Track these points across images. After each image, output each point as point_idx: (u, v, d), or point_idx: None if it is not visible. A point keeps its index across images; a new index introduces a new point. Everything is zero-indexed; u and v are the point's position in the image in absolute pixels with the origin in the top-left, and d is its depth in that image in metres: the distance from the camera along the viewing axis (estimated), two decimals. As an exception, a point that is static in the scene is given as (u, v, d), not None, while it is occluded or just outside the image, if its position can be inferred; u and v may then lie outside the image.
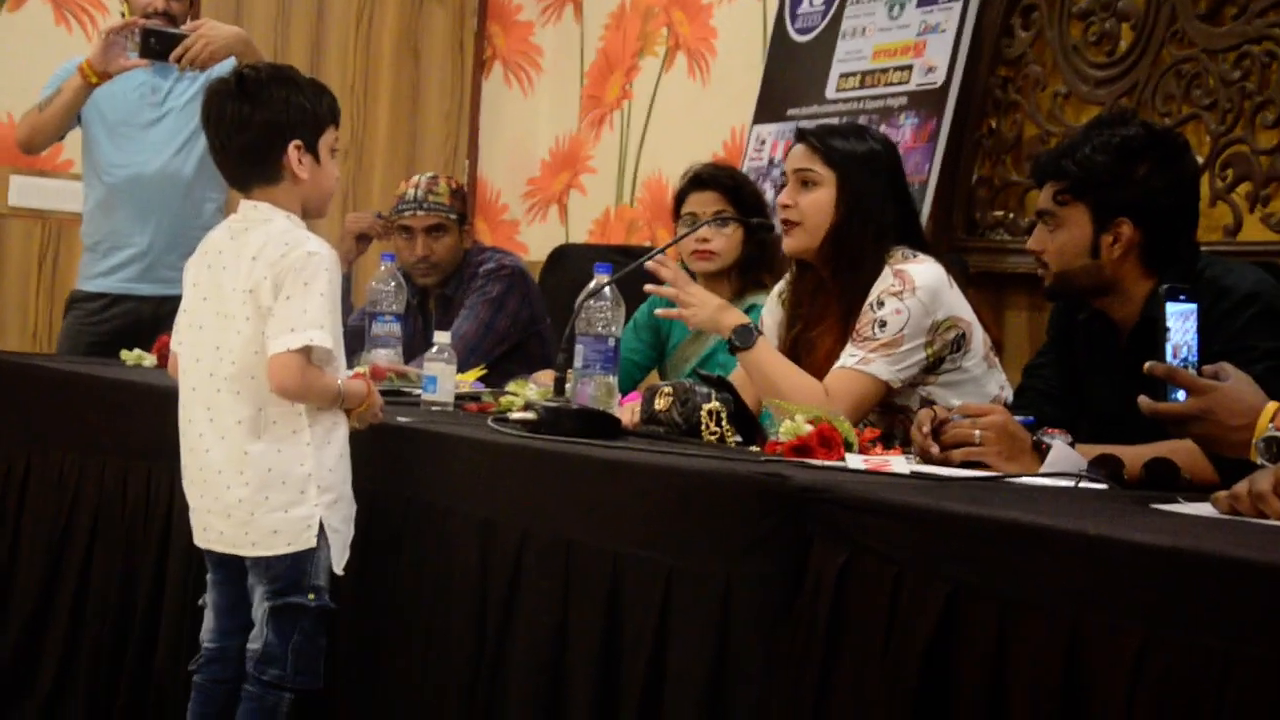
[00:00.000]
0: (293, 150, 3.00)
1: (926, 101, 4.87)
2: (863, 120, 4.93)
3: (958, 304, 3.40)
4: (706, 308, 3.42)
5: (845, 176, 3.44)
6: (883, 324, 3.33)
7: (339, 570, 3.00)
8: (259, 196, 3.04)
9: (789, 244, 3.50)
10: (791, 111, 5.44)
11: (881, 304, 3.35)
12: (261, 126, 3.00)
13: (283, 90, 3.02)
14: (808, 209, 3.45)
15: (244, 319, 2.96)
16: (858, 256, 3.43)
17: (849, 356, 3.34)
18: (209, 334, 3.01)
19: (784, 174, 3.54)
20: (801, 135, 3.54)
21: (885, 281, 3.37)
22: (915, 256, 3.41)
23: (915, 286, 3.35)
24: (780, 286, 3.67)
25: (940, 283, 3.38)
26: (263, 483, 2.95)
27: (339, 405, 2.99)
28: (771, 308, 3.68)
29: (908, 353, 3.33)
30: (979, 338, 3.40)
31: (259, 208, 3.03)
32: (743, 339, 3.36)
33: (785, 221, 3.49)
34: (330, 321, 2.93)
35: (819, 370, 3.40)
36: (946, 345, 3.36)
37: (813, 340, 3.47)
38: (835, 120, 5.15)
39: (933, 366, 3.37)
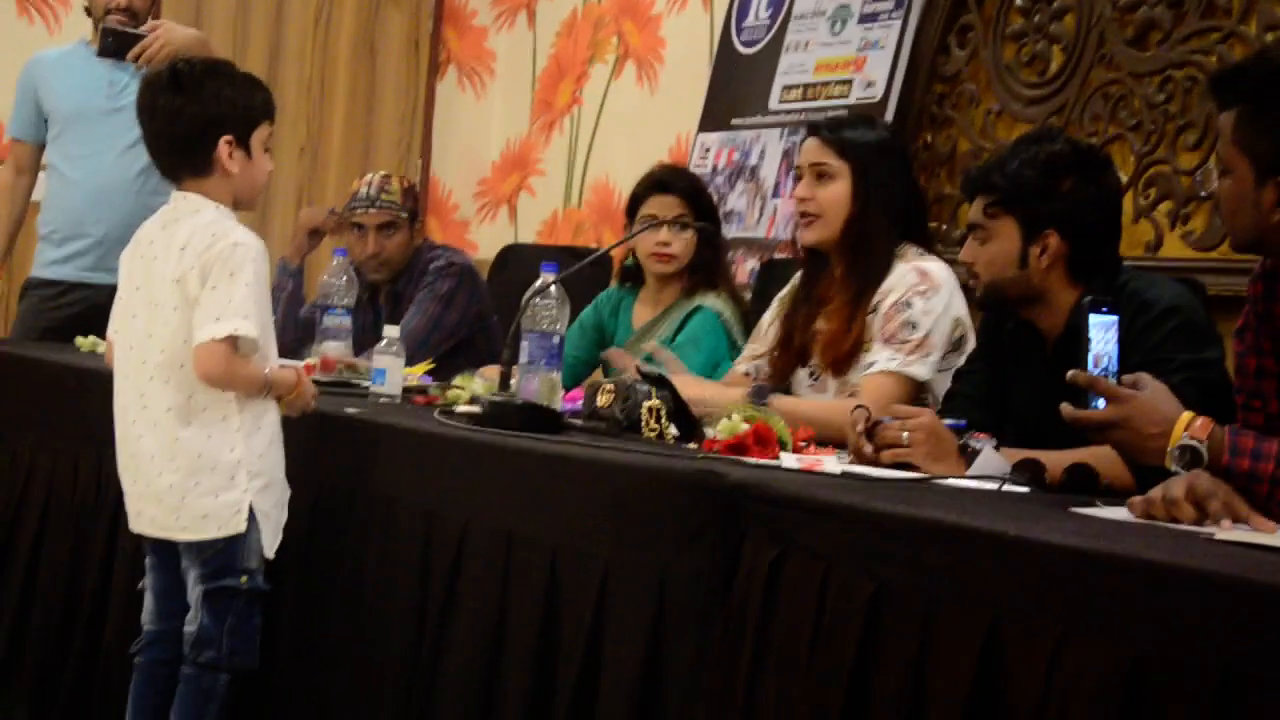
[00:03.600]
0: (223, 145, 3.04)
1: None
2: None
3: (964, 306, 3.49)
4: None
5: (860, 167, 3.51)
6: (913, 325, 3.41)
7: (269, 554, 3.03)
8: (190, 188, 3.07)
9: (808, 236, 3.56)
10: (735, 121, 5.49)
11: (909, 304, 3.43)
12: (192, 119, 3.03)
13: (215, 84, 3.05)
14: (826, 202, 3.52)
15: (172, 308, 2.99)
16: (874, 242, 3.51)
17: (888, 360, 3.41)
18: (141, 323, 3.05)
19: (798, 168, 3.61)
20: (814, 129, 3.60)
21: (908, 279, 3.45)
22: (927, 255, 3.51)
23: (938, 284, 3.44)
24: (784, 292, 3.73)
25: (955, 282, 3.47)
26: (193, 468, 2.98)
27: (267, 394, 3.02)
28: (773, 307, 3.75)
29: (938, 348, 3.42)
30: (971, 340, 3.48)
31: (189, 199, 3.06)
32: (758, 397, 3.34)
33: (804, 214, 3.55)
34: (256, 311, 2.96)
35: (821, 348, 3.51)
36: (951, 344, 3.45)
37: (818, 320, 3.55)
38: (778, 129, 5.24)
39: None
